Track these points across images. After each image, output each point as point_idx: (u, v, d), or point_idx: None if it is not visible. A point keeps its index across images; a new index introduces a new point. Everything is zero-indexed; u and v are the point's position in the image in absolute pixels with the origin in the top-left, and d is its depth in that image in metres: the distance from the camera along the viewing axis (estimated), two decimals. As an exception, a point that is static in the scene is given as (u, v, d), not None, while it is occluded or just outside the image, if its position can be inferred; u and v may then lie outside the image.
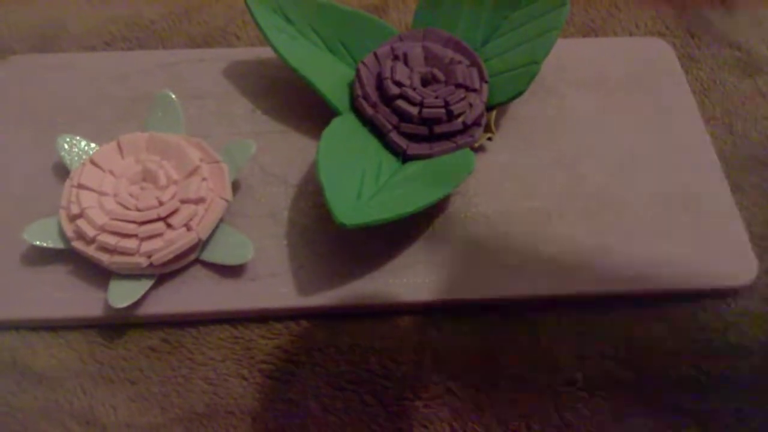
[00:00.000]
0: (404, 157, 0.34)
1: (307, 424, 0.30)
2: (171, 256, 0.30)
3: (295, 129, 0.37)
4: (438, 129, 0.34)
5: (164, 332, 0.32)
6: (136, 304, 0.31)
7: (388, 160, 0.34)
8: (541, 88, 0.39)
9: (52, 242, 0.31)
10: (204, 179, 0.32)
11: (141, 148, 0.33)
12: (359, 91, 0.35)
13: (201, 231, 0.31)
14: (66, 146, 0.34)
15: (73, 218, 0.31)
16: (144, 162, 0.33)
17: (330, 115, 0.34)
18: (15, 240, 0.32)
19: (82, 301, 0.31)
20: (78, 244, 0.31)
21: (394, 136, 0.34)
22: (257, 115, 0.38)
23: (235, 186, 0.34)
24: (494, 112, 0.36)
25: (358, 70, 0.35)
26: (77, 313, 0.31)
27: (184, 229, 0.31)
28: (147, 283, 0.31)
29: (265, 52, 0.39)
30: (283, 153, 0.36)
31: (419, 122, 0.34)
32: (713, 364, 0.32)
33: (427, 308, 0.32)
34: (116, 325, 0.32)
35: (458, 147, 0.34)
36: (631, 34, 0.43)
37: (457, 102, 0.34)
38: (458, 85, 0.34)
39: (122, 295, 0.30)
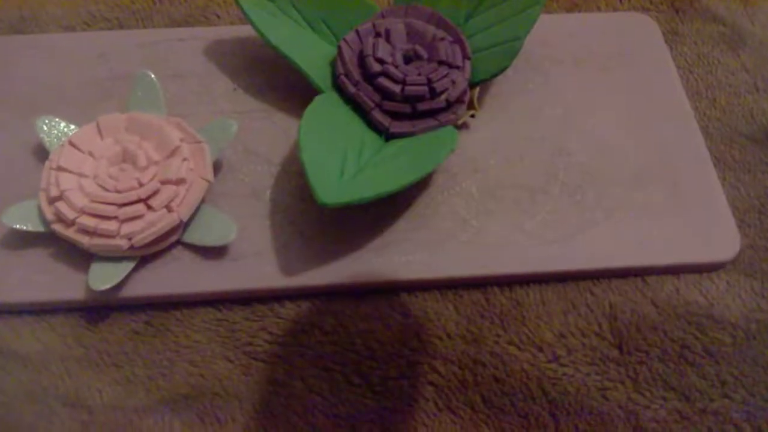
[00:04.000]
0: (387, 135, 0.34)
1: (292, 404, 0.30)
2: (152, 237, 0.30)
3: (277, 108, 0.37)
4: (421, 106, 0.33)
5: (148, 315, 0.32)
6: (118, 286, 0.30)
7: (371, 139, 0.33)
8: (525, 64, 0.38)
9: (31, 225, 0.31)
10: (185, 159, 0.32)
11: (120, 128, 0.33)
12: (341, 69, 0.34)
13: (182, 212, 0.31)
14: (45, 128, 0.34)
15: (52, 201, 0.31)
16: (123, 143, 0.32)
17: (312, 94, 0.34)
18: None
19: (64, 284, 0.31)
20: (58, 227, 0.30)
21: (377, 114, 0.34)
22: (238, 94, 0.37)
23: (217, 166, 0.34)
24: (477, 89, 0.36)
25: (339, 48, 0.34)
26: (59, 297, 0.31)
27: (164, 210, 0.31)
28: (128, 266, 0.31)
29: (246, 31, 0.38)
30: (266, 132, 0.36)
31: (402, 100, 0.33)
32: (698, 338, 0.32)
33: (412, 287, 0.32)
34: (100, 308, 0.32)
35: (441, 124, 0.34)
36: (615, 10, 0.43)
37: (440, 79, 0.33)
38: (441, 62, 0.34)
39: (103, 277, 0.30)
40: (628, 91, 0.38)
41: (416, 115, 0.34)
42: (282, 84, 0.37)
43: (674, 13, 0.43)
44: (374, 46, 0.34)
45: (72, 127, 0.34)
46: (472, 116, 0.36)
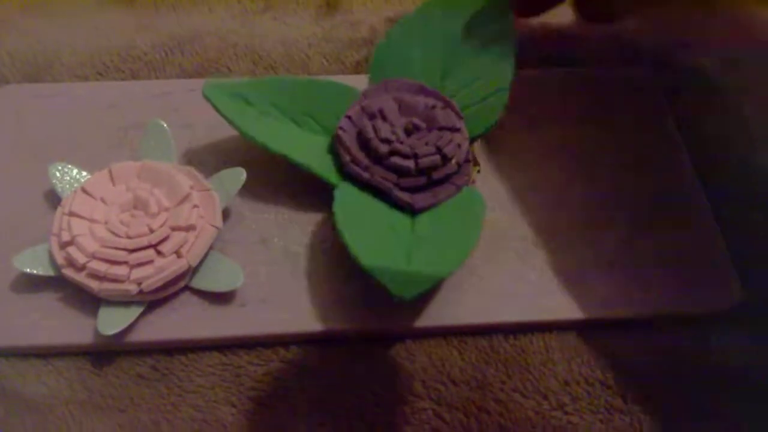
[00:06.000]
0: (413, 211, 0.34)
1: (296, 450, 0.30)
2: (161, 283, 0.31)
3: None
4: (436, 175, 0.33)
5: (153, 359, 0.32)
6: (126, 331, 0.31)
7: (399, 219, 0.33)
8: (521, 118, 0.39)
9: (42, 269, 0.32)
10: (195, 206, 0.32)
11: (132, 175, 0.34)
12: (347, 157, 0.34)
13: (191, 258, 0.31)
14: (58, 174, 0.34)
15: (63, 245, 0.31)
16: (135, 189, 0.33)
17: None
18: (5, 267, 0.32)
19: (72, 328, 0.31)
20: (68, 272, 0.31)
21: (398, 193, 0.33)
22: (248, 144, 0.38)
23: (226, 213, 0.35)
24: (475, 145, 0.37)
25: (338, 137, 0.34)
26: (67, 341, 0.31)
27: (174, 256, 0.31)
28: (136, 311, 0.31)
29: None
30: (274, 180, 0.37)
31: (416, 173, 0.33)
32: (698, 389, 0.32)
33: (417, 334, 0.33)
34: (106, 353, 0.32)
35: (458, 188, 0.34)
36: (613, 65, 0.44)
37: (447, 145, 0.34)
38: (441, 128, 0.34)
39: (111, 322, 0.30)
40: (627, 143, 0.39)
41: (433, 184, 0.34)
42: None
43: (673, 70, 0.44)
44: (374, 128, 0.34)
45: (84, 173, 0.35)
46: (478, 172, 0.37)
